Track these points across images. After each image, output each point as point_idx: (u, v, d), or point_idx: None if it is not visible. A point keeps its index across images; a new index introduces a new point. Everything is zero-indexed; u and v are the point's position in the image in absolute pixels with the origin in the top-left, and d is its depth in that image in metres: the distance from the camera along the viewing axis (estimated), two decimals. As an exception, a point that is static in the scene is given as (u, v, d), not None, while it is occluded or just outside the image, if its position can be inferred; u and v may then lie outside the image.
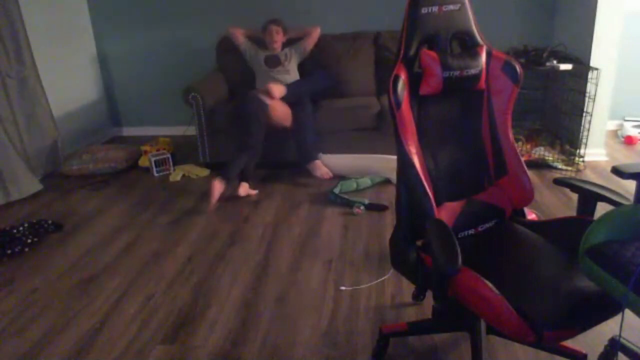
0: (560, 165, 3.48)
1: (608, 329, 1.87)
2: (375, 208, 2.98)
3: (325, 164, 3.47)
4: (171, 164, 3.78)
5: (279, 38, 3.74)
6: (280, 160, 3.67)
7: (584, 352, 1.67)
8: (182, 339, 1.96)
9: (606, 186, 1.57)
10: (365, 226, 2.82)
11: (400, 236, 1.55)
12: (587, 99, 3.42)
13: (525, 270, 1.43)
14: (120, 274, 2.45)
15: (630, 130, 4.01)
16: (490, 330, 1.71)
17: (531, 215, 1.74)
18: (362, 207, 2.97)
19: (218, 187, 3.07)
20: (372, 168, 3.40)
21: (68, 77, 4.21)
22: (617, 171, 1.52)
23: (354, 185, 3.28)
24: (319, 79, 3.73)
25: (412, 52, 1.51)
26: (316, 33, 3.84)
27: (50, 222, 2.92)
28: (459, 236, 1.61)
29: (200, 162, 3.76)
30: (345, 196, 3.10)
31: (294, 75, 3.74)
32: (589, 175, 3.38)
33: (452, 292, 1.37)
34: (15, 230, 2.77)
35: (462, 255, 1.24)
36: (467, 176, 1.66)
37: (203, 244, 2.71)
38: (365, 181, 3.33)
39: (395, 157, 1.53)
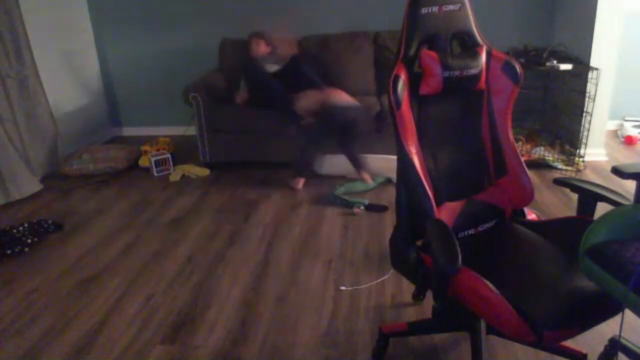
0: (560, 165, 3.48)
1: (608, 329, 1.87)
2: (375, 209, 2.98)
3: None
4: (171, 164, 3.78)
5: (259, 49, 3.75)
6: (280, 160, 3.67)
7: (584, 352, 1.67)
8: (182, 339, 1.96)
9: (606, 186, 1.57)
10: (365, 226, 2.82)
11: (400, 236, 1.55)
12: (587, 99, 3.42)
13: (525, 270, 1.43)
14: (120, 274, 2.45)
15: (630, 130, 4.01)
16: (490, 330, 1.71)
17: (531, 215, 1.74)
18: (362, 207, 2.97)
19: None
20: (372, 168, 3.40)
21: (68, 77, 4.21)
22: (617, 171, 1.52)
23: (358, 187, 3.27)
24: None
25: (412, 52, 1.51)
26: (293, 42, 3.80)
27: (50, 222, 2.92)
28: (459, 236, 1.61)
29: (200, 162, 3.76)
30: (345, 197, 3.10)
31: None
32: (589, 175, 3.38)
33: (452, 292, 1.37)
34: (15, 230, 2.77)
35: (462, 255, 1.24)
36: (467, 176, 1.66)
37: (203, 244, 2.71)
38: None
39: (395, 157, 1.53)
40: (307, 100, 3.37)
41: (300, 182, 3.35)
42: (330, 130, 3.32)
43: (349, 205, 3.03)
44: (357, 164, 3.32)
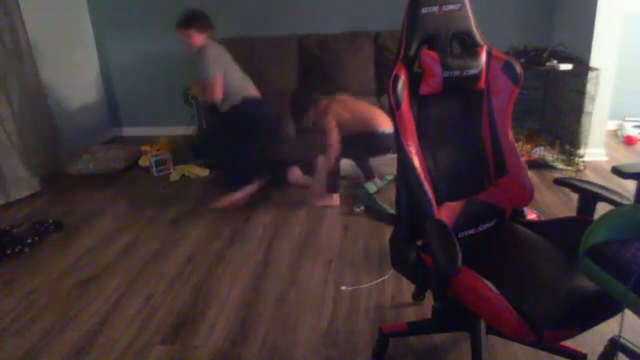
0: (560, 165, 3.48)
1: (608, 329, 1.87)
2: (377, 213, 2.95)
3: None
4: (171, 164, 3.78)
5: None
6: (280, 160, 3.67)
7: (584, 352, 1.67)
8: (182, 339, 1.96)
9: (606, 186, 1.57)
10: (365, 226, 2.81)
11: (400, 236, 1.55)
12: (587, 99, 3.42)
13: (525, 270, 1.43)
14: (120, 274, 2.45)
15: (630, 130, 4.01)
16: (490, 330, 1.70)
17: (531, 215, 1.74)
18: (361, 207, 2.97)
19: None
20: (379, 169, 3.39)
21: (68, 77, 4.21)
22: (617, 171, 1.52)
23: (374, 187, 3.25)
24: None
25: (412, 52, 1.51)
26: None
27: (50, 222, 2.92)
28: (459, 236, 1.61)
29: (200, 162, 3.76)
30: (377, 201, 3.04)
31: None
32: (589, 175, 3.37)
33: (452, 292, 1.37)
34: (15, 230, 2.77)
35: (462, 255, 1.24)
36: (467, 176, 1.66)
37: (203, 244, 2.71)
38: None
39: (395, 156, 1.53)
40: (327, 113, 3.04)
41: (337, 198, 3.11)
42: (363, 154, 3.25)
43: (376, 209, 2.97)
44: (367, 171, 3.31)
